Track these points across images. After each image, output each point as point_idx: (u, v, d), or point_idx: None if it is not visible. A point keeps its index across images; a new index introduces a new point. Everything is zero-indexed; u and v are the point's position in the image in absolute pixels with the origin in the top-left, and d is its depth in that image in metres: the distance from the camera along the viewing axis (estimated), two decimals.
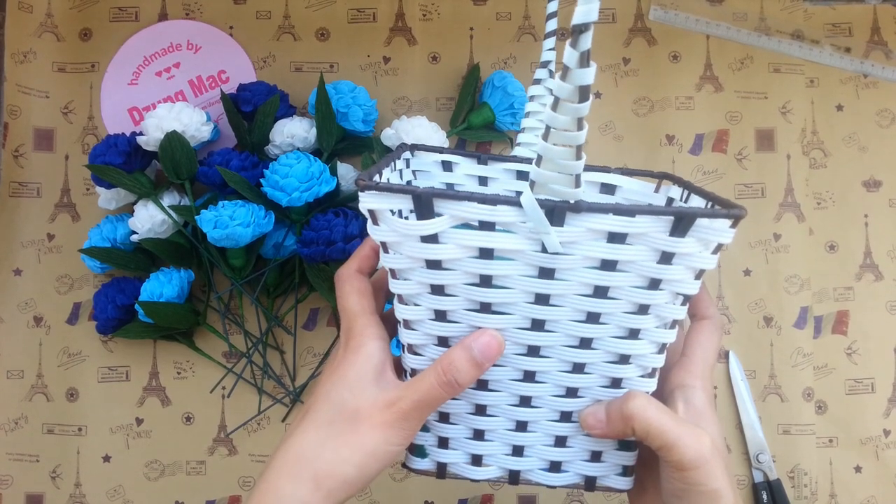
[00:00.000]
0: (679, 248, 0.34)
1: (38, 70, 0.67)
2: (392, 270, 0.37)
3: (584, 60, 0.27)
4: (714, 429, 0.38)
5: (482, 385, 0.39)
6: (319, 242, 0.59)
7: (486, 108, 0.66)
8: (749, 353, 0.66)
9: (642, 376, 0.39)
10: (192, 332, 0.65)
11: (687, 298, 0.37)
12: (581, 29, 0.26)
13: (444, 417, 0.40)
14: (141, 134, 0.62)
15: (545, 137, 0.30)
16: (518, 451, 0.41)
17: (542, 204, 0.32)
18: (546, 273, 0.35)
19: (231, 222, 0.58)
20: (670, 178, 0.46)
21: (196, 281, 0.65)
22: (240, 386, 0.65)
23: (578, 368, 0.38)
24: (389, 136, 0.63)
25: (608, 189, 0.47)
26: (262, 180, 0.61)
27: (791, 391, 0.66)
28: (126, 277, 0.64)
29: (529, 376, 0.38)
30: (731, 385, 0.66)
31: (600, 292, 0.35)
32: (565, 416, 0.40)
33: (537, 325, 0.37)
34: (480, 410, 0.40)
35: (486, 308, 0.36)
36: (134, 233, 0.62)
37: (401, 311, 0.38)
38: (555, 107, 0.29)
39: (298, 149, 0.63)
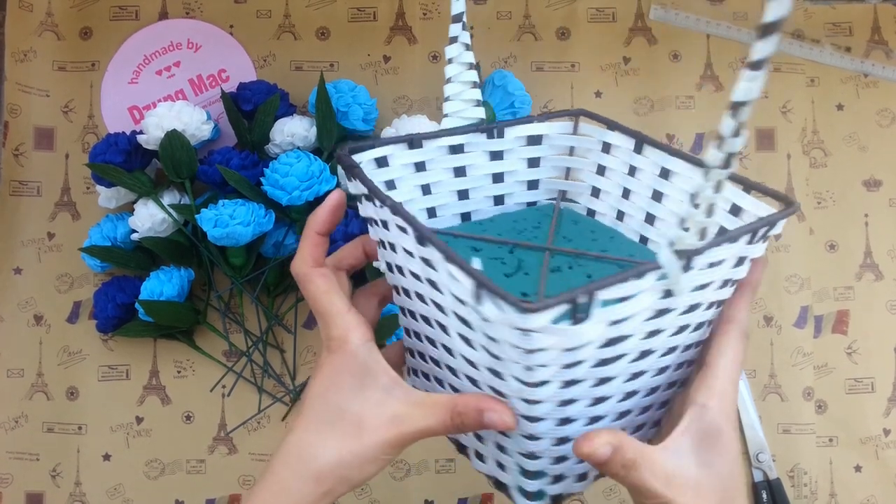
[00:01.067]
0: (752, 252, 0.37)
1: (38, 69, 0.67)
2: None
3: (738, 131, 0.29)
4: (727, 462, 0.35)
5: (593, 420, 0.38)
6: None
7: (486, 108, 0.66)
8: (749, 353, 0.66)
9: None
10: (192, 330, 0.65)
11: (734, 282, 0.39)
12: (741, 105, 0.28)
13: (559, 460, 0.39)
14: (141, 133, 0.62)
15: (695, 204, 0.31)
16: None
17: (677, 258, 0.33)
18: (662, 312, 0.35)
19: (231, 221, 0.58)
20: (588, 115, 0.47)
21: (196, 280, 0.65)
22: (240, 385, 0.65)
23: (662, 371, 0.39)
24: (390, 135, 0.63)
25: (535, 140, 0.47)
26: (262, 179, 0.61)
27: (791, 390, 0.66)
28: (126, 276, 0.64)
29: (629, 395, 0.38)
30: None
31: (694, 308, 0.37)
32: (640, 428, 0.42)
33: (645, 354, 0.36)
34: None
35: (608, 362, 0.35)
36: (134, 231, 0.62)
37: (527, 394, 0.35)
38: (706, 175, 0.30)
39: (299, 148, 0.63)
